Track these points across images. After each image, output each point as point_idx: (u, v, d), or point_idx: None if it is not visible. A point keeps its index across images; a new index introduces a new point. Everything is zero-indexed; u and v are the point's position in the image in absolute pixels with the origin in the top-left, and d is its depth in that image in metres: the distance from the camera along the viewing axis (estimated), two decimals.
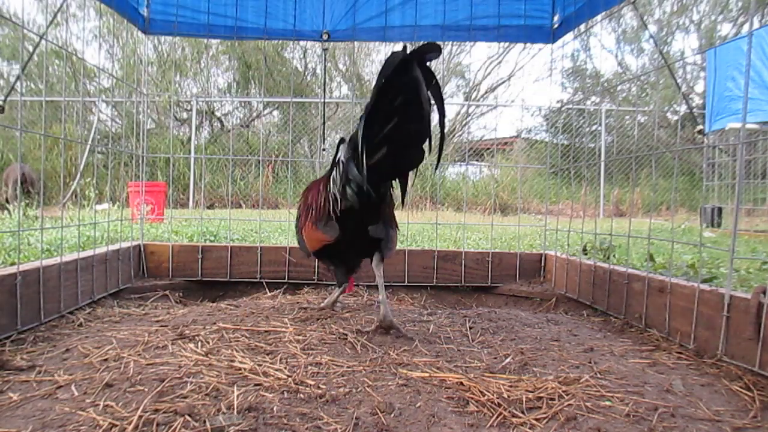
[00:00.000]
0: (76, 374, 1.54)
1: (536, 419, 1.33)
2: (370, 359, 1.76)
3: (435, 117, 1.62)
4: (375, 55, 17.83)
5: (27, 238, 3.70)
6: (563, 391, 1.49)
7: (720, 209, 7.79)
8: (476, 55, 20.81)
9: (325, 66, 3.59)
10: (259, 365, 1.64)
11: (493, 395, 1.45)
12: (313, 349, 1.85)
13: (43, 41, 2.29)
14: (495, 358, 1.82)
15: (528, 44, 12.81)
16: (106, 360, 1.67)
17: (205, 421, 1.26)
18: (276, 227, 5.68)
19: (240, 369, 1.61)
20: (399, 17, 3.24)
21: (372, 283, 3.08)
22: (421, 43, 1.73)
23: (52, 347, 1.80)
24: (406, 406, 1.39)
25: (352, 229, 2.01)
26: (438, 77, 1.62)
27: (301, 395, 1.44)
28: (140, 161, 3.27)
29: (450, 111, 16.74)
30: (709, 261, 3.32)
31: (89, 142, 6.00)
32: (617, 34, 16.38)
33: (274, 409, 1.34)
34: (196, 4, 3.15)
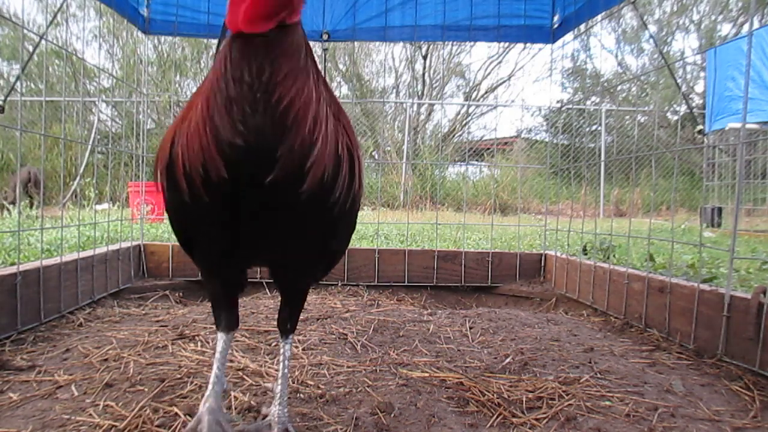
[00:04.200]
0: (76, 374, 1.54)
1: (536, 419, 1.33)
2: (370, 359, 1.76)
3: None
4: (375, 55, 17.84)
5: (27, 238, 3.70)
6: (563, 391, 1.49)
7: (720, 209, 7.79)
8: (476, 55, 20.80)
9: (325, 66, 3.59)
10: (260, 365, 1.64)
11: (493, 395, 1.45)
12: (313, 349, 1.85)
13: (43, 41, 2.29)
14: (495, 358, 1.82)
15: (528, 44, 12.82)
16: (106, 360, 1.67)
17: None
18: None
19: (240, 369, 1.61)
20: (399, 17, 3.24)
21: (371, 283, 3.08)
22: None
23: (52, 347, 1.80)
24: (406, 406, 1.39)
25: None
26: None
27: (301, 395, 1.44)
28: (140, 161, 3.27)
29: (450, 111, 16.78)
30: (709, 261, 3.32)
31: (89, 142, 6.00)
32: (617, 34, 16.38)
33: None
34: (196, 4, 3.14)
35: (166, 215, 1.29)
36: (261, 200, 0.96)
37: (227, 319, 1.24)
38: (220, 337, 1.26)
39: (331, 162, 0.98)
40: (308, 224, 1.04)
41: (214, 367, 1.25)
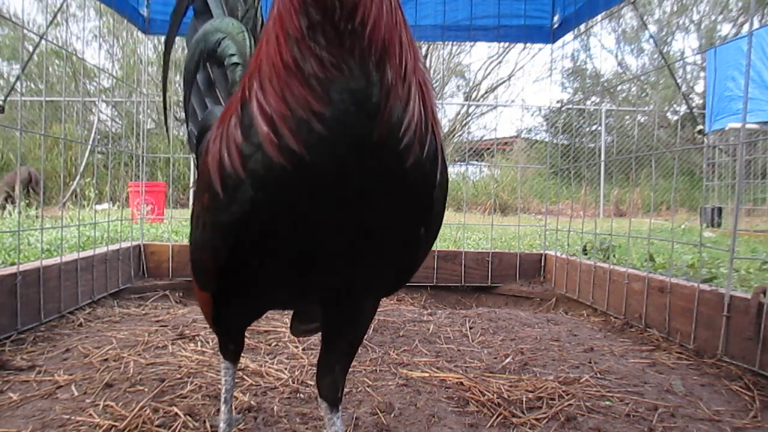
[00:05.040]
0: (76, 374, 1.54)
1: (536, 419, 1.33)
2: (370, 359, 1.76)
3: None
4: None
5: (27, 238, 3.70)
6: (563, 391, 1.49)
7: (720, 209, 7.78)
8: (476, 55, 20.78)
9: None
10: (260, 365, 1.64)
11: (493, 395, 1.45)
12: (313, 349, 1.84)
13: (43, 41, 2.29)
14: (495, 358, 1.82)
15: (528, 44, 12.81)
16: (106, 360, 1.67)
17: (205, 421, 1.26)
18: None
19: (240, 369, 1.61)
20: None
21: None
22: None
23: (52, 347, 1.80)
24: (406, 406, 1.39)
25: None
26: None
27: (301, 395, 1.44)
28: (140, 161, 3.27)
29: (450, 111, 16.78)
30: (709, 261, 3.32)
31: (89, 142, 6.00)
32: (617, 34, 16.37)
33: (274, 409, 1.34)
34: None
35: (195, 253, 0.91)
36: (363, 174, 0.70)
37: (239, 348, 1.04)
38: (228, 368, 1.05)
39: (424, 129, 0.76)
40: (411, 209, 0.78)
41: (223, 408, 1.06)
